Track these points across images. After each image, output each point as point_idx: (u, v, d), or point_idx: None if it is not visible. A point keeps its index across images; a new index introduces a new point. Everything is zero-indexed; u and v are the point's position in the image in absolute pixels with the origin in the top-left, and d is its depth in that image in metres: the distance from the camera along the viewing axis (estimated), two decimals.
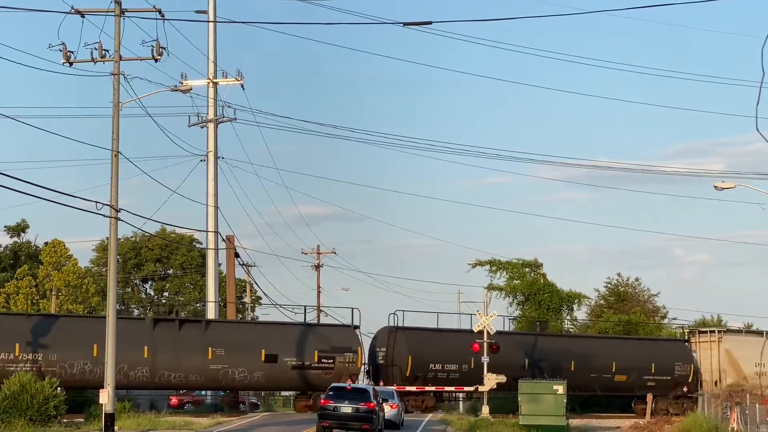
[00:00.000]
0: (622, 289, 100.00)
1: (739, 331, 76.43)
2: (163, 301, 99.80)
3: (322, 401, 42.31)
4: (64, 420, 46.30)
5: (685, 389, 69.43)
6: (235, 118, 66.90)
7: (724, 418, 45.28)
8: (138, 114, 70.11)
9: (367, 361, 62.05)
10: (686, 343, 72.71)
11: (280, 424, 48.73)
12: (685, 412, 64.63)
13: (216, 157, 66.76)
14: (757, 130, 18.92)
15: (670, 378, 69.67)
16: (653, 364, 69.28)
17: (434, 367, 62.07)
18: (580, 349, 68.23)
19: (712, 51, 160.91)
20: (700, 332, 73.33)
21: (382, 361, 61.80)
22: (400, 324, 62.54)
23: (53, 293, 78.32)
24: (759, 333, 75.37)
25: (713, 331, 73.64)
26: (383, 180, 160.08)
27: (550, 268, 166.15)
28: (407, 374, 60.68)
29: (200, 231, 69.97)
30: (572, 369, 65.26)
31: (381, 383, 57.97)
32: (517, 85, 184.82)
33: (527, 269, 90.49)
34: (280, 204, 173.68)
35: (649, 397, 63.34)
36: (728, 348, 70.96)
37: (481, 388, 60.74)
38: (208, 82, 66.49)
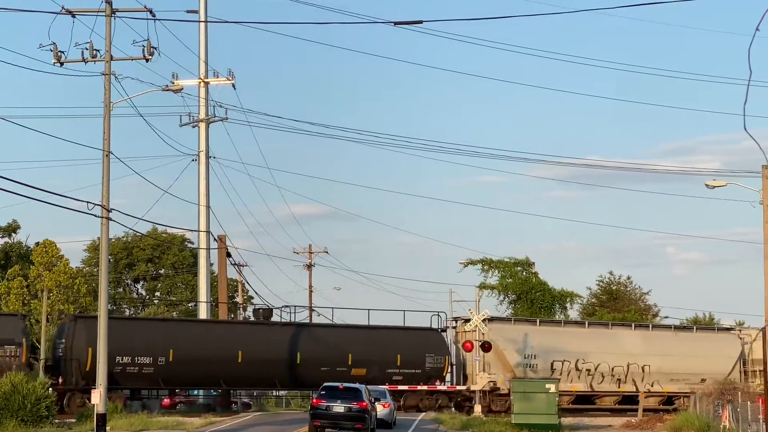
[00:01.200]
0: (614, 288, 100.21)
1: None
2: (155, 301, 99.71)
3: (315, 400, 42.34)
4: (56, 420, 46.28)
5: (438, 383, 63.23)
6: (227, 118, 66.93)
7: (716, 416, 45.31)
8: (129, 114, 70.38)
9: (45, 356, 56.51)
10: (442, 333, 65.28)
11: (272, 423, 48.73)
12: (440, 408, 60.77)
13: (207, 157, 66.74)
14: (745, 129, 18.95)
15: (420, 371, 63.31)
16: (399, 356, 63.29)
17: (122, 360, 55.49)
18: (313, 340, 61.56)
19: (704, 49, 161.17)
20: (465, 321, 63.44)
21: (61, 354, 55.58)
22: None
23: (44, 293, 78.18)
24: (530, 321, 69.53)
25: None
26: (375, 179, 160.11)
27: (542, 266, 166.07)
28: (87, 369, 52.98)
29: (192, 231, 70.08)
30: (298, 362, 60.30)
31: (60, 379, 53.60)
32: (508, 83, 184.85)
33: (519, 268, 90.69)
34: (271, 203, 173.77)
35: (642, 395, 63.37)
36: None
37: (473, 387, 60.80)
38: (200, 82, 66.46)
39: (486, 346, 57.76)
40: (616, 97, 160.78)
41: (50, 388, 46.80)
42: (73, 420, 48.62)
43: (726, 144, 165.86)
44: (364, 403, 41.57)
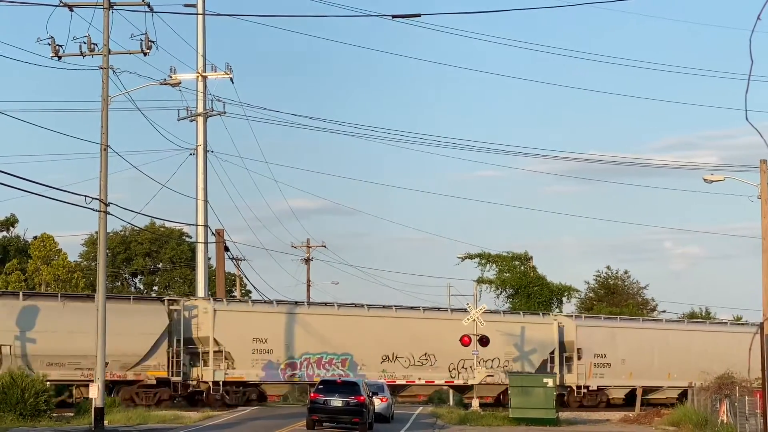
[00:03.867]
0: (611, 282, 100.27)
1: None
2: (153, 295, 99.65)
3: (312, 395, 42.35)
4: (54, 414, 46.27)
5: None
6: (225, 112, 66.91)
7: (714, 411, 45.30)
8: (127, 108, 70.02)
9: None
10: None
11: (270, 417, 48.73)
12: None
13: (205, 151, 66.71)
14: (747, 119, 18.90)
15: None
16: None
17: None
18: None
19: (703, 44, 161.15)
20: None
21: None
22: None
23: (42, 287, 78.19)
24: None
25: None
26: (373, 173, 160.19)
27: (540, 261, 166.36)
28: None
29: (190, 225, 69.95)
30: None
31: None
32: (506, 78, 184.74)
33: (517, 262, 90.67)
34: (269, 197, 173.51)
35: (639, 390, 63.40)
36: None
37: (471, 382, 60.83)
38: (198, 76, 66.43)
39: (484, 340, 57.71)
40: (614, 92, 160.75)
41: (48, 382, 46.81)
42: (72, 414, 48.61)
43: (724, 139, 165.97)
44: (362, 398, 41.59)
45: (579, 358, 65.95)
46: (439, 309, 66.66)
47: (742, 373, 55.22)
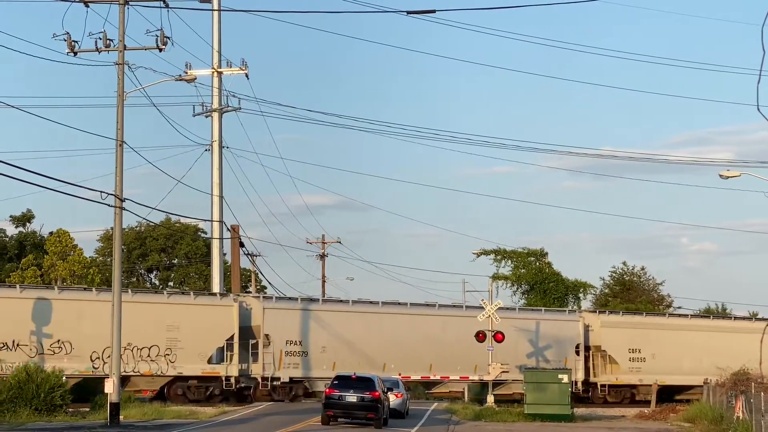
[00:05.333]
0: (627, 278, 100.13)
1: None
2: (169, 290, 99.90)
3: (327, 390, 42.38)
4: (70, 410, 46.40)
5: None
6: (240, 108, 66.90)
7: (729, 407, 45.18)
8: (143, 104, 70.15)
9: None
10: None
11: (285, 413, 48.77)
12: None
13: (220, 147, 66.72)
14: (758, 110, 18.87)
15: None
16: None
17: None
18: None
19: (717, 39, 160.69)
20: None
21: None
22: None
23: (58, 283, 78.42)
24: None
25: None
26: (388, 169, 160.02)
27: (556, 257, 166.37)
28: None
29: (205, 220, 70.09)
30: None
31: None
32: (521, 74, 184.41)
33: (532, 258, 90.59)
34: (284, 193, 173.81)
35: (654, 386, 63.25)
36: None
37: (486, 378, 60.75)
38: (213, 72, 66.44)
39: (498, 337, 57.64)
40: (629, 87, 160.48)
41: (64, 377, 46.95)
42: (87, 409, 48.72)
43: (739, 134, 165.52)
44: (377, 393, 41.61)
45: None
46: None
47: (758, 370, 55.09)
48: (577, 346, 65.63)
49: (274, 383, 57.86)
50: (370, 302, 62.65)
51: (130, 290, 56.76)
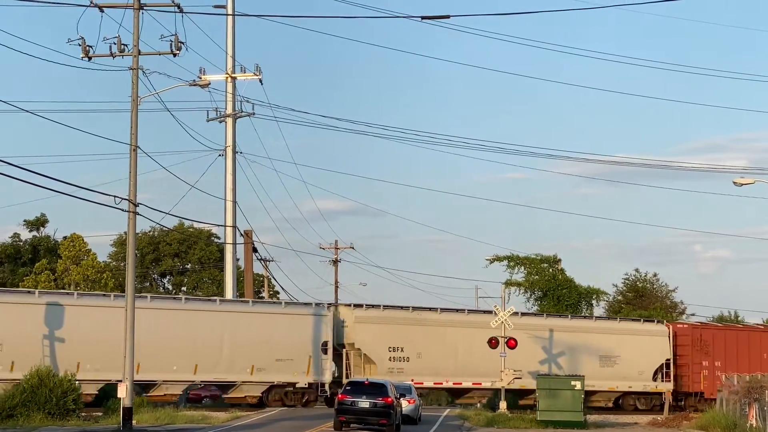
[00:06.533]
0: (640, 285, 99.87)
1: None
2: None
3: (340, 396, 42.39)
4: (83, 414, 46.45)
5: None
6: (254, 113, 67.01)
7: (742, 415, 45.06)
8: (157, 109, 70.30)
9: None
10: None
11: (297, 418, 48.78)
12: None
13: (234, 152, 66.81)
14: None
15: None
16: None
17: None
18: None
19: (733, 46, 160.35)
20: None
21: None
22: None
23: (72, 288, 78.55)
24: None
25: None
26: (401, 175, 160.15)
27: (569, 263, 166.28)
28: None
29: (218, 226, 70.08)
30: None
31: None
32: (535, 80, 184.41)
33: (545, 265, 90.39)
34: (298, 199, 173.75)
35: (667, 393, 63.11)
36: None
37: (498, 384, 60.61)
38: (227, 77, 66.53)
39: (511, 343, 57.55)
40: (643, 95, 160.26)
41: (77, 381, 46.98)
42: (100, 413, 48.79)
43: (754, 142, 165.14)
44: (390, 399, 41.59)
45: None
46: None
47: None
48: (325, 344, 58.81)
49: None
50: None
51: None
